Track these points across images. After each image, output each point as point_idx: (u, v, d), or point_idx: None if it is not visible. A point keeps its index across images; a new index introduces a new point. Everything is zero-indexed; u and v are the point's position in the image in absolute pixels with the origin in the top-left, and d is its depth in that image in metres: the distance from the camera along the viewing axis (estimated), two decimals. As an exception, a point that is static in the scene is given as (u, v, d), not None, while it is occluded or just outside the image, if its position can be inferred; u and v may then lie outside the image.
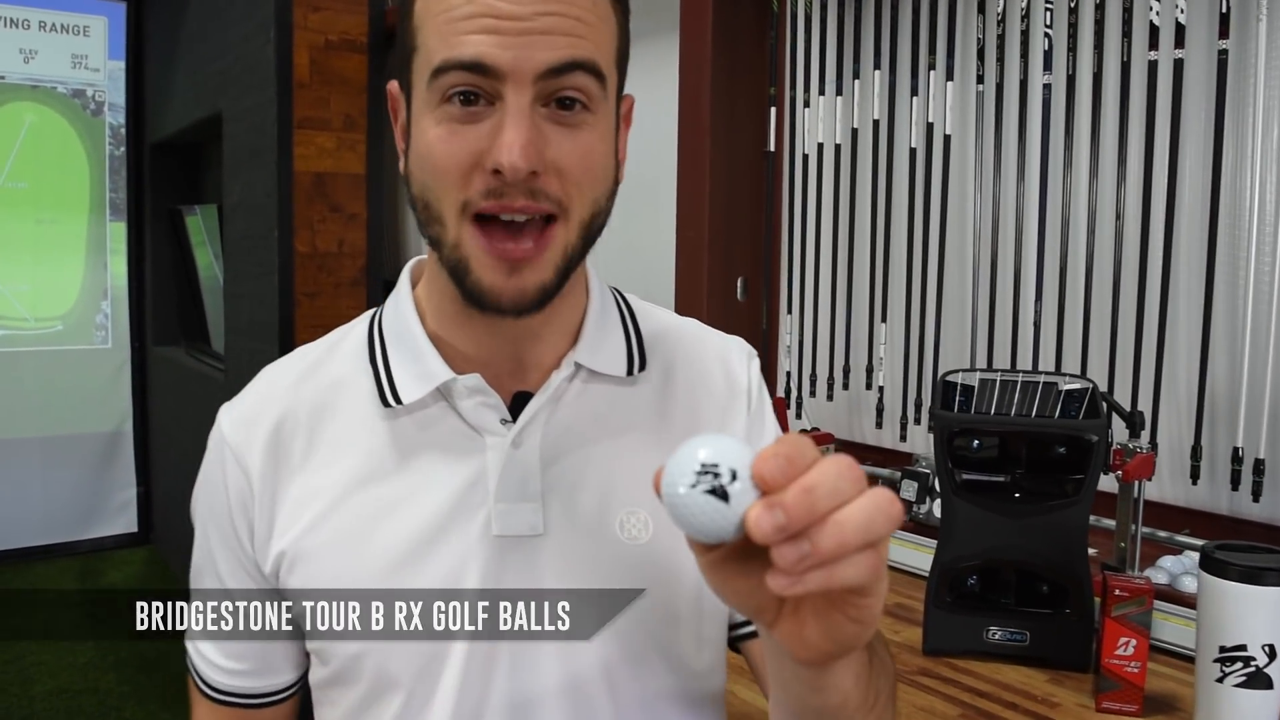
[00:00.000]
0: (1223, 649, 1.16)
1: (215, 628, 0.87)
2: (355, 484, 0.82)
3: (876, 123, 2.11)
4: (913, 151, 2.05)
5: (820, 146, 2.25)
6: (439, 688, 0.80)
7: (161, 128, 4.96)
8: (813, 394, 2.31)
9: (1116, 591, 1.27)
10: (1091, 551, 1.66)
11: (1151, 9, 1.64)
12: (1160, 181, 1.66)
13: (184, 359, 4.76)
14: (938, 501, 1.87)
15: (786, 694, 0.69)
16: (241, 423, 0.87)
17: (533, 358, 0.85)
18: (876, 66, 2.10)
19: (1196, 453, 1.65)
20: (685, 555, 0.75)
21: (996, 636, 1.42)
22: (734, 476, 0.52)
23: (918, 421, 2.08)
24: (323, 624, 0.81)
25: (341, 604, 0.80)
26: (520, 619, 0.80)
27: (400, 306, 0.88)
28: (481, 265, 0.75)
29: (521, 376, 0.85)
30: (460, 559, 0.80)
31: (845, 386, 2.24)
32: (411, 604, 0.79)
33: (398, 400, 0.82)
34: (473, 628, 0.79)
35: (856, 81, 2.15)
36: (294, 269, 3.40)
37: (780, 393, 2.39)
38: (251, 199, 3.67)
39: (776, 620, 0.59)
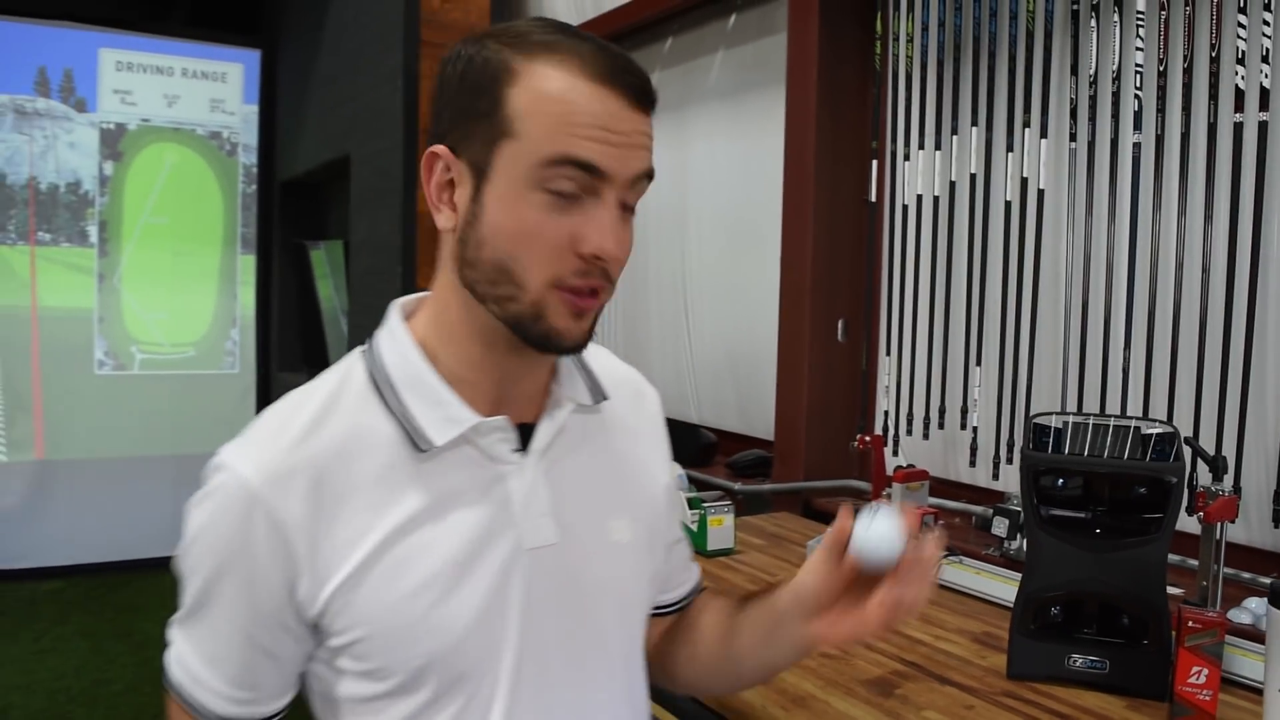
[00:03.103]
0: (1290, 679, 1.24)
1: (227, 662, 0.93)
2: (396, 522, 0.92)
3: (973, 176, 2.22)
4: (1007, 204, 2.15)
5: (919, 198, 2.35)
6: (501, 676, 0.95)
7: (290, 168, 5.25)
8: (909, 432, 2.40)
9: (1190, 623, 1.36)
10: (1179, 591, 1.74)
11: (1237, 74, 1.73)
12: (1245, 238, 1.73)
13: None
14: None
15: (767, 652, 1.05)
16: (275, 479, 0.89)
17: (527, 392, 0.99)
18: (974, 123, 2.21)
19: (1279, 497, 1.72)
20: (648, 552, 1.08)
21: (1078, 664, 1.51)
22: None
23: (1010, 461, 2.16)
24: (387, 647, 0.92)
25: (408, 624, 0.92)
26: (552, 609, 0.97)
27: (403, 351, 0.96)
28: (558, 314, 0.89)
29: (518, 410, 0.98)
30: (503, 571, 0.94)
31: (940, 426, 2.33)
32: (470, 614, 0.93)
33: (429, 444, 0.92)
34: (521, 621, 0.95)
35: (955, 137, 2.26)
36: (417, 303, 3.60)
37: (878, 430, 2.50)
38: (376, 236, 3.88)
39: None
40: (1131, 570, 1.48)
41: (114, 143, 5.17)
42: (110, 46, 5.13)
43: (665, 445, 1.15)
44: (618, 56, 0.88)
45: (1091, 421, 1.58)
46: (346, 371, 0.97)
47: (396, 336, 0.97)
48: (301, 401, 0.95)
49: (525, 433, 0.98)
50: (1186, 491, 1.77)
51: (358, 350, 0.99)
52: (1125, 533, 1.50)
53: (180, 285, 5.35)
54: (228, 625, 0.92)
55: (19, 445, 5.08)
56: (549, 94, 0.86)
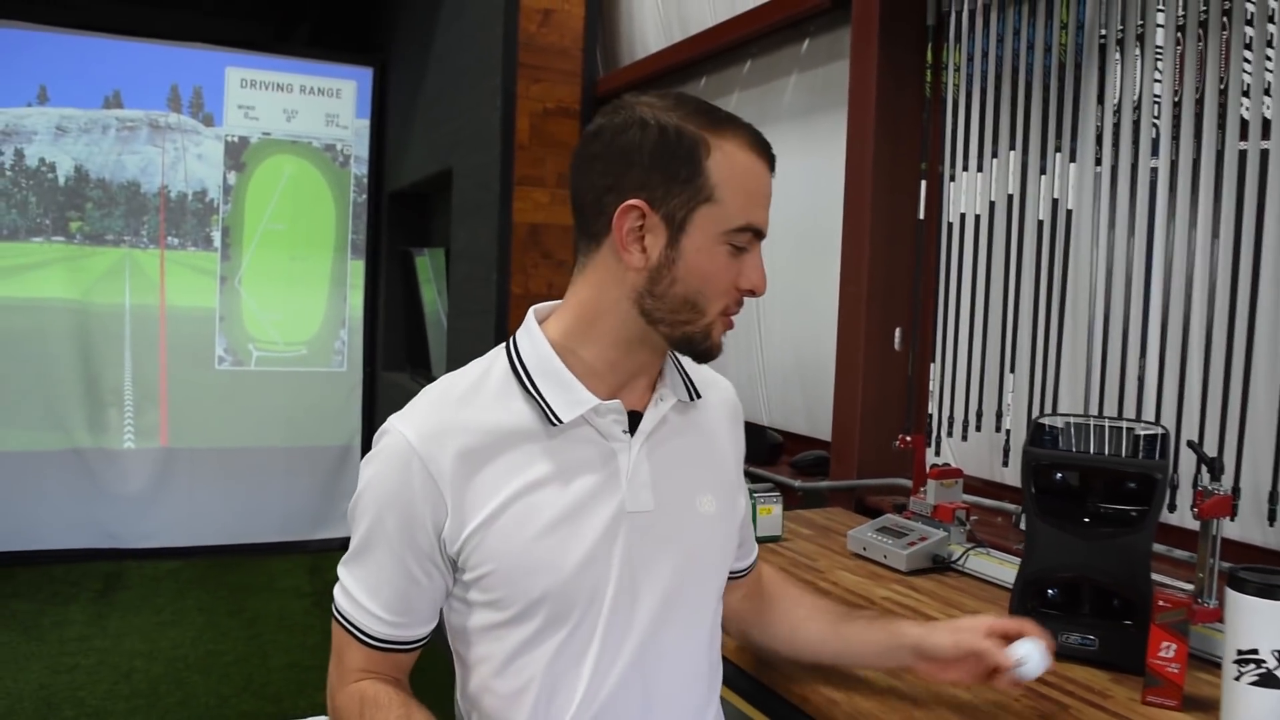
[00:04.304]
0: (1240, 652, 1.38)
1: (385, 590, 1.18)
2: (526, 481, 1.17)
3: (1010, 197, 2.36)
4: (1040, 224, 2.29)
5: (963, 216, 2.51)
6: (602, 612, 1.18)
7: (398, 179, 5.52)
8: (950, 434, 2.56)
9: (1160, 603, 1.51)
10: (1190, 587, 1.87)
11: (1242, 105, 1.86)
12: (1247, 257, 1.86)
13: (408, 384, 5.22)
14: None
15: (872, 653, 1.39)
16: (430, 438, 1.14)
17: (638, 387, 1.24)
18: (1011, 147, 2.35)
19: (1275, 497, 1.84)
20: (730, 524, 1.30)
21: (1071, 641, 1.66)
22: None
23: (1040, 463, 2.30)
24: (510, 580, 1.16)
25: (529, 562, 1.16)
26: (646, 563, 1.20)
27: (538, 347, 1.21)
28: (719, 333, 1.18)
29: (630, 400, 1.23)
30: (608, 527, 1.18)
31: (978, 429, 2.48)
32: (579, 558, 1.17)
33: (559, 420, 1.18)
34: (620, 568, 1.18)
35: (994, 160, 2.42)
36: (509, 308, 3.84)
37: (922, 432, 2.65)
38: (475, 245, 4.12)
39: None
40: (1119, 557, 1.63)
41: (237, 155, 5.55)
42: (236, 65, 5.52)
43: (741, 440, 1.40)
44: (761, 135, 1.17)
45: (1088, 422, 1.73)
46: (491, 361, 1.23)
47: (533, 336, 1.22)
48: (454, 382, 1.21)
49: (634, 419, 1.23)
50: (1191, 491, 1.91)
51: (501, 346, 1.24)
52: (1115, 523, 1.65)
53: (295, 288, 5.72)
54: (389, 558, 1.17)
55: (146, 433, 5.49)
56: (739, 168, 1.13)
